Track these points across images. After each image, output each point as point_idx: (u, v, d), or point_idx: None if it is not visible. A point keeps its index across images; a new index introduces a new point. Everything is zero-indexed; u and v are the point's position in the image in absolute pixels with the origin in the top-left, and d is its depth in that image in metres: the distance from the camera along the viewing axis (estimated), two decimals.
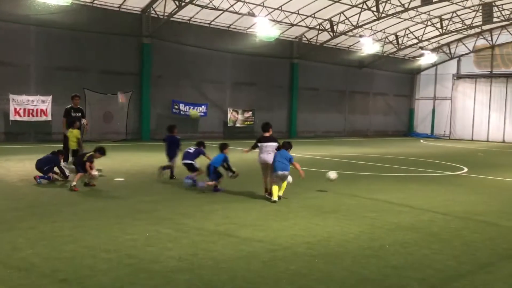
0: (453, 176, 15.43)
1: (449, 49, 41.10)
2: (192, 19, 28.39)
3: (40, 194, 10.19)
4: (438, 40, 39.24)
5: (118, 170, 13.94)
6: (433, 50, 40.12)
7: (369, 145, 29.82)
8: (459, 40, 40.07)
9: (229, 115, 30.93)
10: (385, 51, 38.58)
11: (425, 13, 32.21)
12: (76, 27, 24.25)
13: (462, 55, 40.83)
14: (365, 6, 29.37)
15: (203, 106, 29.34)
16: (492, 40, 38.62)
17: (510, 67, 38.25)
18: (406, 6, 29.01)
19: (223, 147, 11.31)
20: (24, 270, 5.52)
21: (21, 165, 14.39)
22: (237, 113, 31.42)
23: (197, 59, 29.29)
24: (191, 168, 11.92)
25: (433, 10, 31.73)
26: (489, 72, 39.36)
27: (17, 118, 22.45)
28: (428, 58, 39.58)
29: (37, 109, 22.98)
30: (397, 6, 29.20)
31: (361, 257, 6.41)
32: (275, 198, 10.00)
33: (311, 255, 6.42)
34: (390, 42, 37.30)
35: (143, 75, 26.92)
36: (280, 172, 10.09)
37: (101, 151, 11.43)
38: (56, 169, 11.78)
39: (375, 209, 9.59)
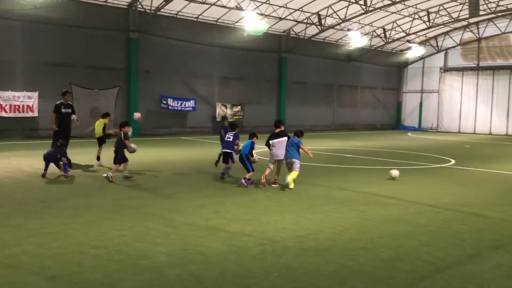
0: (440, 168, 15.57)
1: (436, 42, 41.35)
2: (179, 13, 28.21)
3: (27, 191, 10.09)
4: (425, 33, 39.44)
5: (106, 166, 13.83)
6: (421, 43, 40.33)
7: (357, 138, 29.96)
8: (446, 33, 40.32)
9: (217, 110, 30.85)
10: (373, 45, 38.70)
11: (412, 6, 32.33)
12: (63, 22, 23.97)
13: (449, 48, 41.10)
14: (352, 0, 29.40)
15: (191, 101, 29.23)
16: (478, 33, 38.92)
17: (497, 59, 38.61)
18: None
19: (252, 135, 11.69)
20: (12, 268, 5.47)
21: (7, 162, 14.24)
22: (226, 108, 31.35)
23: (185, 53, 29.14)
24: (230, 157, 12.10)
25: (420, 3, 31.86)
26: (475, 65, 39.69)
27: (3, 114, 22.16)
28: (415, 51, 39.80)
29: (23, 105, 22.72)
30: None
31: (351, 249, 6.44)
32: (291, 186, 10.79)
33: (301, 248, 6.44)
34: (378, 36, 37.42)
35: (131, 70, 26.72)
36: (288, 160, 10.97)
37: (122, 124, 12.01)
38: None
39: (364, 202, 9.65)
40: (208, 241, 6.64)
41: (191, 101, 29.22)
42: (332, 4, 30.37)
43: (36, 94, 22.95)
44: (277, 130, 11.27)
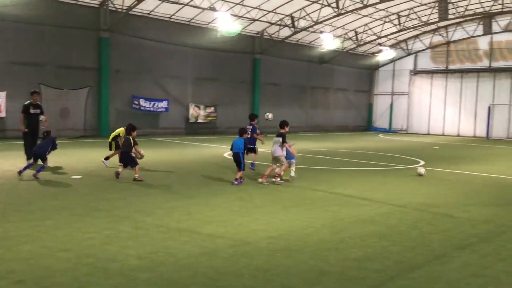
0: (410, 169, 15.86)
1: (407, 45, 42.14)
2: (152, 13, 27.96)
3: None
4: (396, 37, 40.17)
5: (76, 168, 13.60)
6: (391, 46, 41.05)
7: (330, 139, 30.27)
8: (416, 36, 41.14)
9: (191, 111, 30.69)
10: (345, 47, 39.18)
11: (383, 9, 32.90)
12: (32, 20, 23.44)
13: (418, 51, 41.94)
14: (325, 2, 29.71)
15: (164, 102, 29.00)
16: (447, 36, 39.85)
17: (465, 63, 39.59)
18: (365, 2, 29.52)
19: (242, 132, 12.19)
20: None
21: None
22: (199, 109, 31.22)
23: (158, 53, 28.89)
24: (253, 151, 13.46)
25: (391, 7, 32.43)
26: (444, 68, 40.62)
27: None
28: (386, 54, 40.50)
29: None
30: (356, 2, 29.68)
31: (322, 250, 6.50)
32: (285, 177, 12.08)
33: (273, 249, 6.46)
34: (350, 38, 37.90)
35: (102, 70, 26.33)
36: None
37: (131, 127, 12.17)
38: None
39: (336, 203, 9.75)
40: (180, 243, 6.59)
41: (164, 101, 28.99)
42: (305, 7, 30.61)
43: (3, 94, 22.39)
44: (282, 131, 12.10)
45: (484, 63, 38.37)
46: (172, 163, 15.66)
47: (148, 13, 27.84)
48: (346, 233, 7.43)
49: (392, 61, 43.09)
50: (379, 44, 39.63)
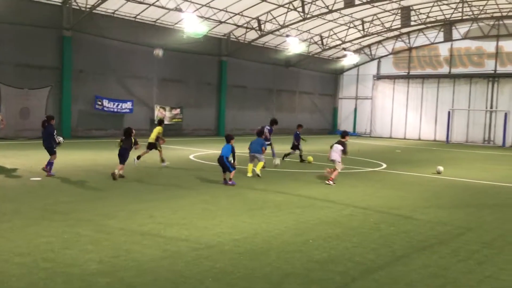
0: (372, 172, 16.14)
1: (370, 51, 42.96)
2: (116, 12, 27.49)
3: None
4: (360, 42, 40.90)
5: (35, 169, 13.21)
6: (355, 51, 41.75)
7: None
8: (379, 42, 42.01)
9: (156, 112, 30.32)
10: (311, 51, 39.60)
11: (348, 15, 33.43)
12: None
13: (382, 57, 42.84)
14: (291, 6, 29.95)
15: (128, 103, 28.54)
16: (409, 42, 40.86)
17: (426, 69, 40.68)
18: (330, 7, 29.92)
19: (229, 138, 12.54)
20: None
21: None
22: (165, 110, 30.88)
23: (122, 54, 28.43)
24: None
25: (355, 12, 32.98)
26: (406, 73, 41.62)
27: None
28: (350, 59, 41.14)
29: None
30: (322, 7, 30.05)
31: (286, 252, 6.51)
32: (249, 174, 13.50)
33: (237, 252, 6.43)
34: (315, 43, 38.34)
35: (64, 69, 25.69)
36: (251, 154, 13.85)
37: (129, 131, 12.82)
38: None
39: (300, 205, 9.81)
40: (142, 247, 6.48)
41: (128, 102, 28.53)
42: (272, 10, 30.76)
43: None
44: (342, 140, 13.51)
45: (445, 69, 39.54)
46: (136, 165, 15.38)
47: (113, 13, 27.37)
48: (310, 235, 7.47)
49: (356, 66, 43.84)
50: (344, 49, 40.24)
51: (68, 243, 6.50)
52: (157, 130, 15.26)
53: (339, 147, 13.26)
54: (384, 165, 18.04)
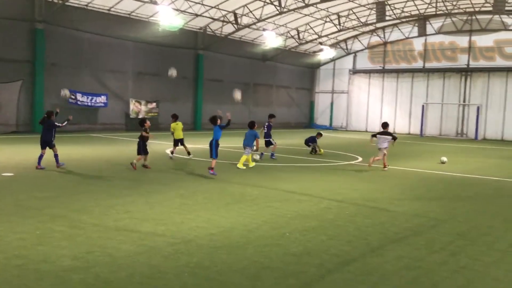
0: (349, 166, 16.29)
1: (346, 45, 43.26)
2: (89, 5, 26.99)
3: None
4: (336, 36, 41.13)
5: (7, 165, 12.91)
6: (332, 45, 42.00)
7: (274, 136, 30.42)
8: (355, 36, 42.33)
9: (131, 106, 29.96)
10: (287, 45, 39.65)
11: (324, 9, 33.57)
12: None
13: (357, 51, 43.19)
14: (268, 0, 29.89)
15: (103, 96, 28.12)
16: (384, 37, 41.29)
17: (401, 63, 41.20)
18: (306, 2, 29.98)
19: (214, 120, 12.84)
20: None
21: None
22: (140, 104, 30.53)
23: (96, 47, 27.96)
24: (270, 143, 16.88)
25: (331, 7, 33.15)
26: (381, 68, 42.08)
27: None
28: (327, 53, 41.40)
29: None
30: (298, 1, 30.08)
31: (263, 246, 6.52)
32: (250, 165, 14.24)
33: (214, 246, 6.41)
34: (292, 37, 38.40)
35: (36, 62, 25.14)
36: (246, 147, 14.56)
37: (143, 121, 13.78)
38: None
39: (278, 199, 9.83)
40: (117, 242, 6.39)
41: (103, 96, 28.11)
42: (248, 4, 30.66)
43: None
44: (384, 129, 15.40)
45: (419, 64, 40.11)
46: (111, 160, 15.20)
47: (86, 5, 26.86)
48: (286, 228, 7.50)
49: (333, 60, 44.11)
50: (320, 43, 40.43)
51: (41, 239, 6.38)
52: (180, 125, 16.62)
53: (388, 137, 15.23)
54: (360, 159, 18.23)
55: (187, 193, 10.09)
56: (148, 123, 13.97)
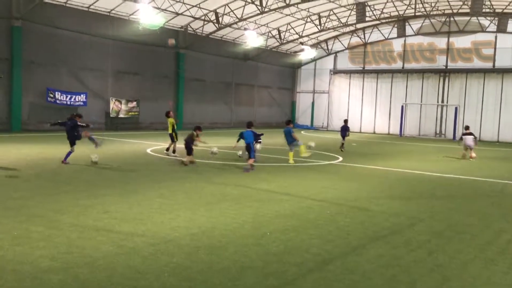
0: (329, 165, 16.40)
1: (327, 46, 43.54)
2: (68, 2, 26.63)
3: None
4: (317, 37, 41.37)
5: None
6: (312, 46, 42.22)
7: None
8: (336, 37, 42.63)
9: (111, 105, 29.64)
10: (269, 45, 39.72)
11: (305, 9, 33.73)
12: None
13: (338, 52, 43.51)
14: (249, 0, 29.89)
15: (82, 95, 27.76)
16: (364, 38, 41.66)
17: (380, 64, 41.63)
18: (287, 2, 30.07)
19: (250, 124, 14.93)
20: None
21: None
22: (121, 103, 30.23)
23: (75, 44, 27.59)
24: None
25: (312, 7, 33.32)
26: (361, 68, 42.46)
27: None
28: (307, 53, 41.60)
29: None
30: (279, 1, 30.16)
31: (244, 245, 6.53)
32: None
33: (195, 246, 6.39)
34: (273, 37, 38.48)
35: (13, 60, 24.69)
36: (290, 143, 16.13)
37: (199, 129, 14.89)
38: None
39: (259, 199, 9.84)
40: (96, 243, 6.33)
41: (82, 95, 27.75)
42: (229, 3, 30.62)
43: None
44: (467, 131, 20.09)
45: (398, 64, 40.59)
46: (89, 159, 15.01)
47: (65, 2, 26.49)
48: (267, 228, 7.52)
49: (314, 60, 44.35)
50: (301, 43, 40.61)
51: (19, 240, 6.27)
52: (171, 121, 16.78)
53: (471, 137, 19.70)
54: (341, 158, 18.36)
55: (167, 192, 10.04)
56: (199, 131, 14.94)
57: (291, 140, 16.08)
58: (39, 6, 24.84)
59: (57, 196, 9.25)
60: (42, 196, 9.21)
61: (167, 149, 17.03)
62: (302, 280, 5.40)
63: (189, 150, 14.26)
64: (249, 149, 14.22)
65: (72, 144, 13.86)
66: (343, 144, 21.71)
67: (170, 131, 16.87)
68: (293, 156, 16.18)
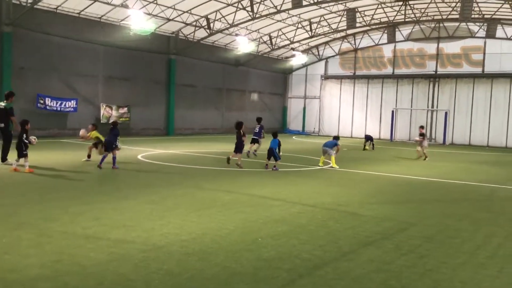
0: (321, 170, 16.44)
1: (318, 51, 43.74)
2: (59, 8, 26.54)
3: None
4: (308, 42, 41.55)
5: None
6: (304, 51, 42.39)
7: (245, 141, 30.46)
8: (327, 43, 42.84)
9: (102, 111, 29.52)
10: (260, 51, 39.82)
11: (296, 15, 33.89)
12: None
13: (329, 57, 43.71)
14: (240, 6, 29.98)
15: (72, 101, 27.62)
16: (355, 44, 41.92)
17: (371, 69, 41.88)
18: (278, 8, 30.19)
19: (276, 134, 16.84)
20: None
21: None
22: (111, 109, 30.12)
23: (66, 50, 27.47)
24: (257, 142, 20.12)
25: (303, 13, 33.48)
26: (352, 74, 42.69)
27: None
28: (299, 59, 41.76)
29: None
30: (270, 7, 30.27)
31: (234, 252, 6.51)
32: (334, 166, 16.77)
33: (185, 253, 6.36)
34: (264, 42, 38.60)
35: (3, 66, 24.51)
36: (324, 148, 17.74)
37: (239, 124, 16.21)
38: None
39: (250, 204, 9.84)
40: (86, 250, 6.28)
41: (72, 101, 27.62)
42: (221, 9, 30.68)
43: None
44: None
45: (388, 70, 40.86)
46: (80, 165, 14.93)
47: (55, 8, 26.40)
48: (258, 233, 7.51)
49: (305, 66, 44.52)
50: (292, 49, 40.75)
51: (8, 248, 6.21)
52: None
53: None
54: (330, 163, 18.36)
55: (158, 199, 10.00)
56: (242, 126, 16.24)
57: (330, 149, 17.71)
58: (30, 12, 24.72)
59: (47, 203, 9.18)
60: (31, 203, 9.14)
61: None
62: (293, 285, 5.40)
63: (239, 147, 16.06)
64: (272, 152, 15.71)
65: (109, 149, 14.61)
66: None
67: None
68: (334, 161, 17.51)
